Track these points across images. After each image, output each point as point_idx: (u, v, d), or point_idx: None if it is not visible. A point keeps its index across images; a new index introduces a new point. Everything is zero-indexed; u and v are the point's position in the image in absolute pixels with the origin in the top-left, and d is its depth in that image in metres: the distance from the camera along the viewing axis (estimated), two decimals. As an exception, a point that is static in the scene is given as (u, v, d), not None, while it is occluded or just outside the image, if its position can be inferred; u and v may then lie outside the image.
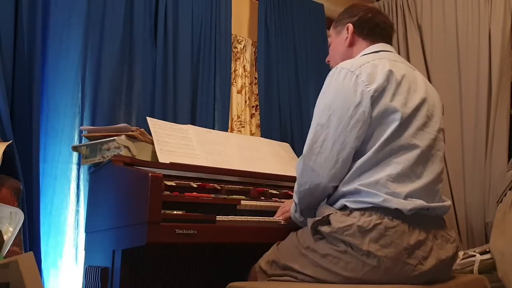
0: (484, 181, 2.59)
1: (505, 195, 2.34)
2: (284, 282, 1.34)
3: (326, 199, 1.40)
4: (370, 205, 1.25)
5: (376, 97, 1.31)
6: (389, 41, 1.57)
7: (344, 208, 1.30)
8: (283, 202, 1.80)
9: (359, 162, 1.31)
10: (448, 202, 1.40)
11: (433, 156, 1.36)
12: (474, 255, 2.15)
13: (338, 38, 1.62)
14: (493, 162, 2.57)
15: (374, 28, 1.55)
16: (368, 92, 1.31)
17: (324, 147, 1.34)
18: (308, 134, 1.39)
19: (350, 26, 1.57)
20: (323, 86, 1.42)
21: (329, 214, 1.30)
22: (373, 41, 1.54)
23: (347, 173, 1.33)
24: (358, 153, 1.33)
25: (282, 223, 1.60)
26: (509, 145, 2.59)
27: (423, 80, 1.47)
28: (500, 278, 2.02)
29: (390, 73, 1.35)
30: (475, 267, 2.10)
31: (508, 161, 2.51)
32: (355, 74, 1.34)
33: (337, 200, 1.33)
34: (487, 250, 2.16)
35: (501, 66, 2.63)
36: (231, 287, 1.34)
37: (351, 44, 1.57)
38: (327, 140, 1.34)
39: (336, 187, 1.36)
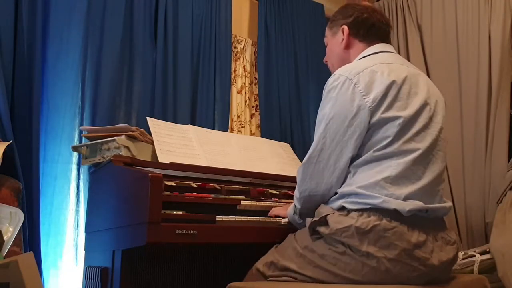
0: (484, 181, 2.59)
1: (505, 195, 2.34)
2: (283, 282, 1.34)
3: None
4: (368, 206, 1.25)
5: (374, 107, 1.31)
6: (386, 40, 1.55)
7: (342, 208, 1.30)
8: (283, 202, 1.80)
9: (357, 163, 1.32)
10: (449, 204, 1.39)
11: (434, 157, 1.35)
12: (474, 255, 2.15)
13: (334, 39, 1.60)
14: (493, 162, 2.57)
15: (370, 29, 1.52)
16: (366, 103, 1.31)
17: (322, 156, 1.35)
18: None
19: (346, 28, 1.54)
20: (323, 93, 1.41)
21: (326, 215, 1.29)
22: (370, 42, 1.52)
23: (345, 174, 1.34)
24: (356, 156, 1.34)
25: (282, 222, 1.60)
26: (509, 145, 2.59)
27: (424, 80, 1.44)
28: (500, 278, 2.01)
29: (389, 79, 1.33)
30: (475, 267, 2.10)
31: (508, 161, 2.51)
32: (353, 83, 1.33)
33: (335, 201, 1.33)
34: (487, 250, 2.16)
35: (501, 66, 2.62)
36: (231, 287, 1.33)
37: (348, 47, 1.55)
38: (324, 150, 1.35)
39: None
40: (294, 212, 1.48)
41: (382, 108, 1.31)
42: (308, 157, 1.38)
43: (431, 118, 1.38)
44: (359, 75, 1.34)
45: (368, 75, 1.34)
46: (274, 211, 1.68)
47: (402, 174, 1.28)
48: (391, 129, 1.30)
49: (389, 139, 1.30)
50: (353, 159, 1.34)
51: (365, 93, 1.32)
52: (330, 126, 1.34)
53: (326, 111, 1.36)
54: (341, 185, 1.34)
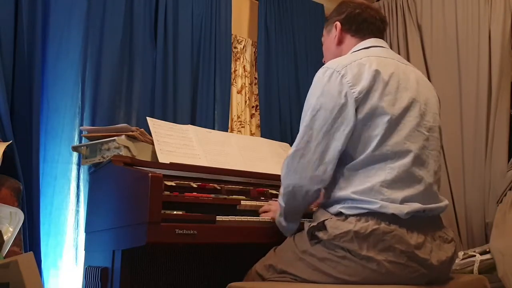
0: (484, 181, 2.59)
1: (505, 195, 2.34)
2: (283, 283, 1.34)
3: (321, 204, 1.38)
4: (366, 211, 1.23)
5: (361, 99, 1.29)
6: (380, 36, 1.53)
7: (339, 214, 1.28)
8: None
9: (351, 166, 1.30)
10: (445, 202, 1.38)
11: (428, 157, 1.33)
12: (474, 255, 2.15)
13: (328, 37, 1.61)
14: (493, 162, 2.57)
15: (362, 24, 1.51)
16: (353, 94, 1.29)
17: (307, 149, 1.31)
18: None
19: (338, 24, 1.54)
20: (311, 86, 1.39)
21: (324, 220, 1.28)
22: (363, 37, 1.51)
23: (339, 178, 1.31)
24: (348, 157, 1.31)
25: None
26: (509, 145, 2.59)
27: (416, 77, 1.42)
28: (500, 278, 2.02)
29: (377, 73, 1.32)
30: (475, 267, 2.10)
31: (508, 161, 2.51)
32: (341, 74, 1.32)
33: (332, 206, 1.32)
34: (487, 250, 2.16)
35: (501, 66, 2.62)
36: (231, 287, 1.33)
37: (340, 42, 1.55)
38: (310, 142, 1.31)
39: (324, 191, 1.35)
40: (280, 214, 1.45)
41: (369, 102, 1.29)
42: (294, 150, 1.34)
43: (421, 117, 1.35)
44: (346, 68, 1.33)
45: (356, 67, 1.33)
46: (269, 214, 1.62)
47: (397, 178, 1.26)
48: (380, 127, 1.28)
49: (378, 137, 1.27)
50: (346, 162, 1.31)
51: (352, 84, 1.30)
52: (316, 117, 1.31)
53: (313, 102, 1.34)
54: (336, 187, 1.32)
